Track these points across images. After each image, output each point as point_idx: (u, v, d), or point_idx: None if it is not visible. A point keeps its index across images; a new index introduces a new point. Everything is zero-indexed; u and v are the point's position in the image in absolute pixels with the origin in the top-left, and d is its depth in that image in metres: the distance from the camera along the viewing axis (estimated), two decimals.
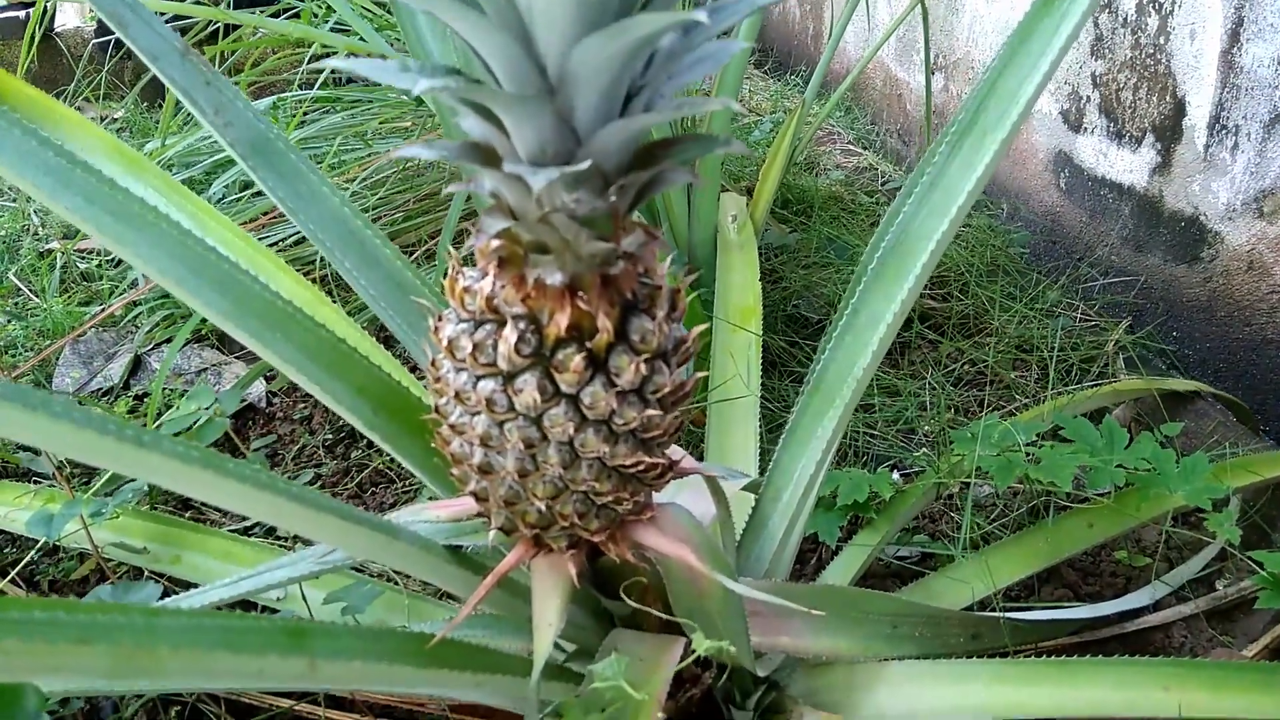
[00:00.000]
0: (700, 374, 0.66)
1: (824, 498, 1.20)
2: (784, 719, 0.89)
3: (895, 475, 1.31)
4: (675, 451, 0.73)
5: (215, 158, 2.23)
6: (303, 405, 1.85)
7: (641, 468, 0.63)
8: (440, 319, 0.62)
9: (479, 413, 0.61)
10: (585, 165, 0.46)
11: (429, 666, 0.62)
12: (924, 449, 1.44)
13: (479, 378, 0.59)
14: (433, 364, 0.64)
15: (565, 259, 0.53)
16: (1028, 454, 1.15)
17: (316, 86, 2.13)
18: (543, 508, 0.64)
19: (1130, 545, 1.29)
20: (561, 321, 0.56)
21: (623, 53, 0.45)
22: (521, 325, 0.57)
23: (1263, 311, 1.50)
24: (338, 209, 0.80)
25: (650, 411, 0.60)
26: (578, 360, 0.56)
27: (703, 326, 0.64)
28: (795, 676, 0.94)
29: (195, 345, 2.06)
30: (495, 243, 0.57)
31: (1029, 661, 0.91)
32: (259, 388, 1.89)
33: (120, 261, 2.40)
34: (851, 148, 2.92)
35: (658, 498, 0.77)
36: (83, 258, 2.47)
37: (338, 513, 0.62)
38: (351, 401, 0.78)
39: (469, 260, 0.65)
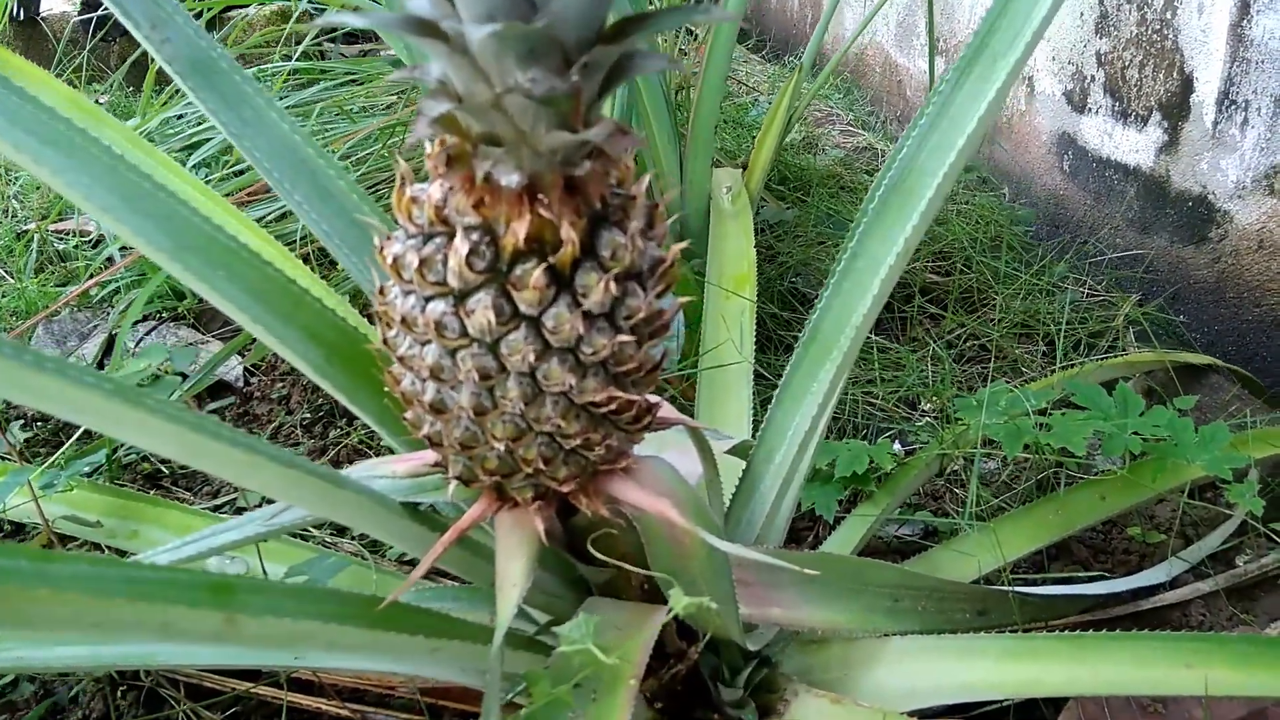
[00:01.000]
0: (682, 300, 0.59)
1: (821, 470, 1.13)
2: (776, 697, 0.82)
3: (896, 446, 1.24)
4: (654, 398, 0.66)
5: (189, 132, 2.16)
6: (280, 385, 1.78)
7: (614, 407, 0.56)
8: (389, 238, 0.55)
9: (429, 341, 0.54)
10: (539, 24, 0.39)
11: (375, 628, 0.55)
12: (927, 421, 1.38)
13: (427, 299, 0.52)
14: (380, 291, 0.57)
15: (521, 154, 0.47)
16: (1037, 423, 1.09)
17: (296, 57, 2.06)
18: (503, 451, 0.57)
19: (1144, 522, 1.22)
20: (519, 231, 0.49)
21: None
22: (474, 236, 0.50)
23: (1274, 292, 1.44)
24: (287, 135, 0.73)
25: (622, 338, 0.53)
26: (538, 275, 0.49)
27: (682, 245, 0.57)
28: (789, 653, 0.87)
29: (171, 324, 1.99)
30: (445, 144, 0.50)
31: (1041, 637, 0.85)
32: (235, 367, 1.82)
33: (98, 243, 2.33)
34: (850, 128, 2.86)
35: (638, 453, 0.70)
36: (60, 239, 2.40)
37: (270, 456, 0.55)
38: (301, 347, 0.71)
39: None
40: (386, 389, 0.62)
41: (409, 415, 0.61)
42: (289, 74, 2.18)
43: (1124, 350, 1.54)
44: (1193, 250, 1.58)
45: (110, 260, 2.13)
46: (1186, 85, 1.54)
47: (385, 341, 0.58)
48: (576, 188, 0.50)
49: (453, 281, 0.51)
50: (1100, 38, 1.79)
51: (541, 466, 0.58)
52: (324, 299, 0.74)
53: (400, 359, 0.56)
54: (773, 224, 2.00)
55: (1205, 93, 1.50)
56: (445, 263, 0.51)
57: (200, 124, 2.34)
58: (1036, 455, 1.19)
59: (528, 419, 0.55)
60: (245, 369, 1.82)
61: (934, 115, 0.79)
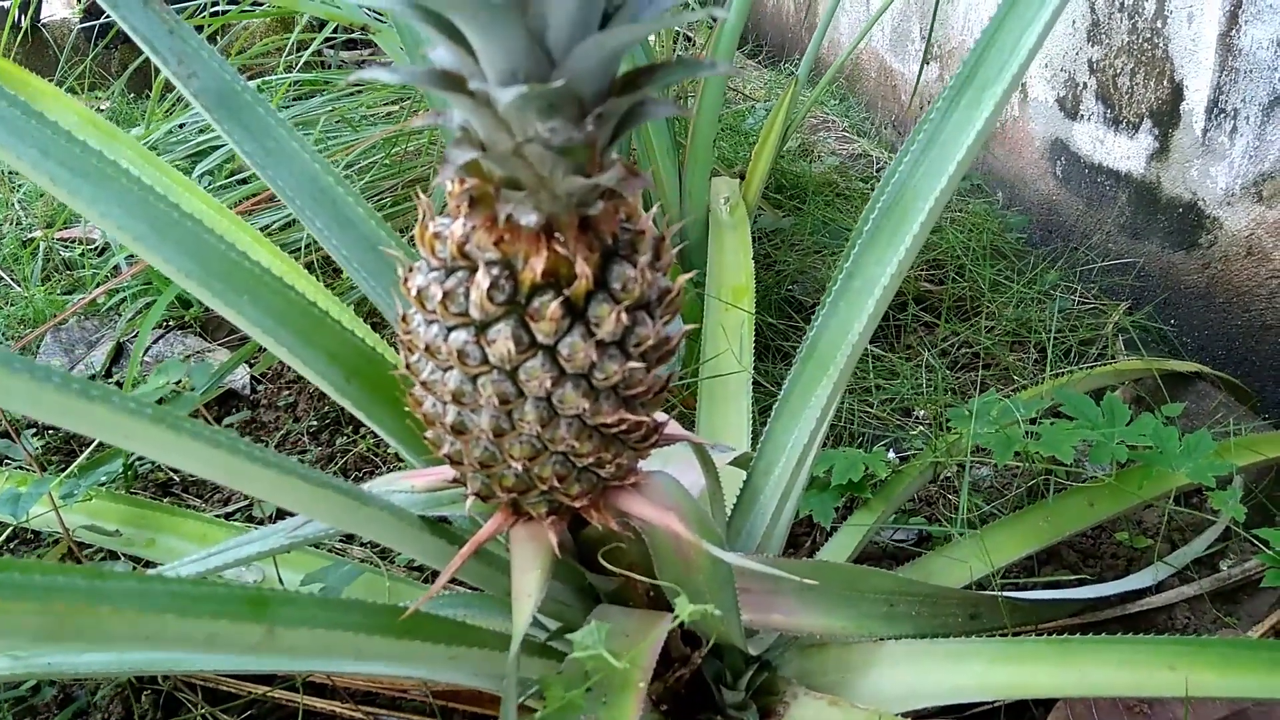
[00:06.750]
0: (689, 327, 0.62)
1: (818, 477, 1.17)
2: (776, 699, 0.86)
3: (891, 454, 1.28)
4: (660, 416, 0.69)
5: (196, 141, 2.19)
6: (287, 393, 1.81)
7: (624, 427, 0.60)
8: (411, 270, 0.59)
9: (451, 367, 0.57)
10: (558, 84, 0.43)
11: (400, 637, 0.58)
12: (921, 429, 1.41)
13: (450, 329, 0.56)
14: (403, 319, 0.60)
15: (540, 197, 0.50)
16: (1027, 431, 1.12)
17: (298, 68, 2.09)
18: (520, 470, 0.60)
19: (1131, 527, 1.26)
20: (537, 266, 0.52)
21: None
22: (494, 271, 0.53)
23: (1262, 297, 1.47)
24: (308, 165, 0.76)
25: (632, 364, 0.56)
26: (554, 308, 0.53)
27: (688, 275, 0.60)
28: (788, 657, 0.91)
29: (178, 333, 2.02)
30: (467, 184, 0.54)
31: (1031, 640, 0.88)
32: (242, 375, 1.85)
33: (104, 250, 2.36)
34: (847, 135, 2.89)
35: (643, 468, 0.73)
36: (66, 246, 2.43)
37: (302, 475, 0.58)
38: (323, 367, 0.74)
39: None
40: (406, 409, 0.66)
41: (429, 435, 0.64)
42: (290, 85, 2.21)
43: (1113, 358, 1.58)
44: (1183, 256, 1.62)
45: (117, 269, 2.16)
46: (1177, 93, 1.57)
47: (408, 366, 0.61)
48: (590, 225, 0.53)
49: (475, 313, 0.54)
50: (1092, 45, 1.82)
51: (556, 484, 0.61)
52: (342, 320, 0.78)
53: (423, 383, 0.60)
54: (769, 232, 2.04)
55: (1195, 101, 1.53)
56: (468, 295, 0.54)
57: (201, 132, 2.37)
58: (1027, 463, 1.22)
59: (544, 440, 0.59)
60: (251, 377, 1.85)
61: (925, 140, 0.82)
